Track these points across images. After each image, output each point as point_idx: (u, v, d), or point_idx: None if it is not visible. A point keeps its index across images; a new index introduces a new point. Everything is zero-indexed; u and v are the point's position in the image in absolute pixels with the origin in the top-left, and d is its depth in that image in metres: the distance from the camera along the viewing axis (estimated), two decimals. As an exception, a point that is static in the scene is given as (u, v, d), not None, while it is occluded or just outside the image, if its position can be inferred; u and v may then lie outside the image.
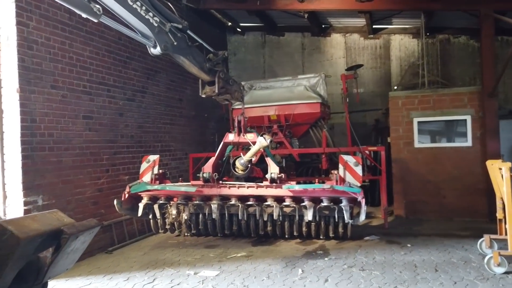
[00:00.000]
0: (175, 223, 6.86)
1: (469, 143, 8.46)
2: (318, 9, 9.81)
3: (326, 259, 5.91)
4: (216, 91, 5.80)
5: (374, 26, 11.41)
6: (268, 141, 6.12)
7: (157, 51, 4.84)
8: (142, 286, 5.03)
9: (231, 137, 6.94)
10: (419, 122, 8.79)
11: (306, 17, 10.48)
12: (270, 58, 12.77)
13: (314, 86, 9.22)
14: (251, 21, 12.12)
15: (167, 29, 4.82)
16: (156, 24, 4.68)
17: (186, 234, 7.27)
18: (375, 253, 6.14)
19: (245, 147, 7.51)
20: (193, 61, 5.36)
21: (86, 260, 6.15)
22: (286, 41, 12.67)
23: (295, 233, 6.53)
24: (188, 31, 5.30)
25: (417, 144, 8.82)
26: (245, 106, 9.04)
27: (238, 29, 12.77)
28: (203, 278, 5.23)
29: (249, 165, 6.70)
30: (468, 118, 8.44)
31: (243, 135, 6.80)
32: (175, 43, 4.94)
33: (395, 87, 11.22)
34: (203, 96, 6.07)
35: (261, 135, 6.20)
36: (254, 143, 6.55)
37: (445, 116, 8.64)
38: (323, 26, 12.07)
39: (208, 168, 6.74)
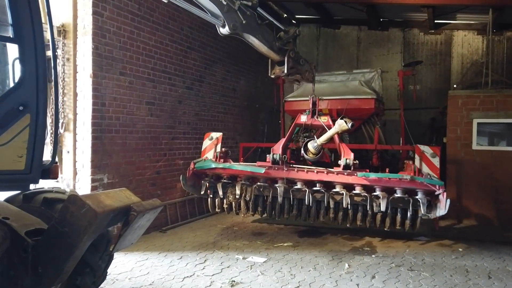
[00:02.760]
0: (233, 203, 6.57)
1: (533, 148, 8.01)
2: (379, 2, 9.59)
3: (373, 256, 5.92)
4: (285, 71, 5.54)
5: (436, 21, 10.96)
6: (349, 125, 5.54)
7: (225, 30, 4.66)
8: (194, 266, 5.33)
9: (303, 118, 6.68)
10: (478, 123, 8.42)
11: (365, 10, 10.28)
12: (324, 51, 12.67)
13: (369, 82, 9.07)
14: (307, 13, 12.06)
15: (236, 7, 4.60)
16: (225, 2, 4.48)
17: (244, 214, 6.77)
18: (424, 254, 6.06)
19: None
20: (263, 40, 5.09)
21: (143, 237, 6.50)
22: (342, 34, 12.50)
23: (358, 223, 6.13)
24: (258, 9, 5.07)
25: (475, 146, 8.47)
26: (297, 99, 9.18)
27: (293, 21, 12.77)
28: (251, 263, 5.45)
29: (322, 149, 6.39)
30: (534, 121, 7.98)
31: (317, 117, 6.51)
32: (243, 22, 4.71)
33: (455, 86, 10.77)
34: (272, 76, 5.84)
35: (341, 118, 5.65)
36: (328, 126, 6.29)
37: (509, 119, 8.21)
38: (381, 19, 11.77)
39: (277, 149, 6.46)
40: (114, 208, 3.35)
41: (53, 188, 3.93)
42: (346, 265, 5.48)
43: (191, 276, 4.96)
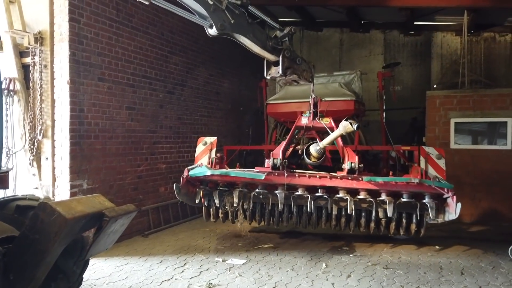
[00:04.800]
0: (229, 212, 6.32)
1: (508, 146, 8.19)
2: (358, 5, 9.74)
3: (351, 255, 6.02)
4: (280, 71, 5.19)
5: (415, 23, 11.16)
6: (355, 126, 5.21)
7: (213, 31, 4.43)
8: (174, 269, 5.38)
9: (304, 120, 6.38)
10: (456, 123, 8.61)
11: (345, 12, 10.43)
12: (308, 53, 12.80)
13: (349, 83, 9.20)
14: (289, 16, 12.18)
15: (223, 6, 4.39)
16: (211, 2, 4.28)
17: (241, 223, 6.56)
18: (401, 252, 6.18)
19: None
20: (254, 39, 4.82)
21: (125, 242, 6.60)
22: (324, 37, 12.66)
23: (361, 229, 6.03)
24: (250, 7, 4.84)
25: (453, 145, 8.65)
26: (279, 101, 9.27)
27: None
28: (230, 266, 5.52)
29: (324, 153, 6.09)
30: (509, 120, 8.16)
31: (318, 119, 6.19)
32: (232, 21, 4.48)
33: (435, 86, 10.96)
34: (268, 77, 5.48)
35: (346, 119, 5.31)
36: (331, 128, 6.05)
37: (485, 118, 8.40)
38: (362, 22, 11.94)
39: (277, 153, 6.09)
40: (86, 214, 3.40)
41: (26, 195, 3.96)
42: (324, 264, 5.58)
43: (169, 279, 5.01)
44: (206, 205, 6.38)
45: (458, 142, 8.66)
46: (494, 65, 10.80)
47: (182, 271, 5.30)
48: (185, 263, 5.63)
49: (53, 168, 5.89)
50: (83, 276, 4.05)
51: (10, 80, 6.04)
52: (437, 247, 6.47)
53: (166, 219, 7.89)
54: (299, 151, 7.12)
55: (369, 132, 10.92)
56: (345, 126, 5.29)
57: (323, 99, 6.73)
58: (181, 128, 8.46)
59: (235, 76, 10.69)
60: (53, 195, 5.84)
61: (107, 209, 3.65)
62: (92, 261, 5.50)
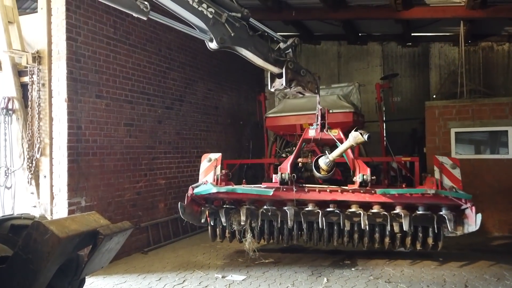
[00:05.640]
0: (236, 231, 6.09)
1: (510, 155, 8.14)
2: (353, 18, 9.82)
3: (353, 269, 5.93)
4: (284, 84, 5.06)
5: (412, 34, 11.22)
6: (366, 136, 4.88)
7: (214, 44, 4.36)
8: (173, 287, 5.31)
9: (311, 133, 6.17)
10: (456, 133, 8.58)
11: (341, 25, 10.51)
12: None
13: (347, 95, 9.23)
14: (287, 30, 12.28)
15: (223, 19, 4.34)
16: (210, 16, 4.23)
17: (249, 243, 6.09)
18: (404, 265, 6.09)
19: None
20: (256, 52, 4.73)
21: (123, 259, 6.53)
22: (322, 50, 12.74)
23: (376, 245, 5.81)
24: (251, 19, 4.75)
25: (454, 155, 8.57)
26: (278, 115, 9.30)
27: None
28: (230, 282, 5.44)
29: (334, 166, 5.84)
30: (510, 129, 8.13)
31: (327, 131, 5.99)
32: (232, 34, 4.42)
33: (434, 96, 10.97)
34: (272, 90, 5.38)
35: (356, 130, 5.02)
36: (340, 140, 5.86)
37: (485, 127, 8.37)
38: (359, 34, 12.02)
39: (285, 168, 5.85)
40: (80, 232, 3.38)
41: (22, 214, 3.94)
42: (325, 279, 5.49)
43: (167, 297, 4.94)
44: (212, 224, 6.14)
45: (459, 152, 8.62)
46: (493, 75, 10.81)
47: (181, 289, 5.23)
48: (184, 280, 5.55)
49: (51, 186, 5.88)
50: (79, 295, 3.99)
51: (9, 99, 6.09)
52: (440, 259, 6.37)
53: (166, 235, 7.82)
54: (299, 164, 7.08)
55: (369, 144, 10.89)
56: (355, 137, 4.98)
57: (331, 111, 6.53)
58: (180, 143, 8.46)
59: (234, 90, 10.74)
60: (51, 213, 5.81)
61: (102, 227, 3.63)
62: (90, 280, 5.45)
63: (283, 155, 9.31)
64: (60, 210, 5.77)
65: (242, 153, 10.82)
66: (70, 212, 5.74)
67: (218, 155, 6.46)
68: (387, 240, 5.73)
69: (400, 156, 8.72)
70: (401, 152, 9.64)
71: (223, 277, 5.66)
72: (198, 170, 8.85)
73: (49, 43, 5.94)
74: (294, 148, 9.24)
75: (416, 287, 5.17)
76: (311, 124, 8.48)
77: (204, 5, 4.17)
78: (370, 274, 5.69)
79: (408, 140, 11.27)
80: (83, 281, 3.98)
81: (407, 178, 8.93)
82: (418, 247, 5.73)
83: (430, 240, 5.66)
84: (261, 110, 10.46)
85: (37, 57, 5.95)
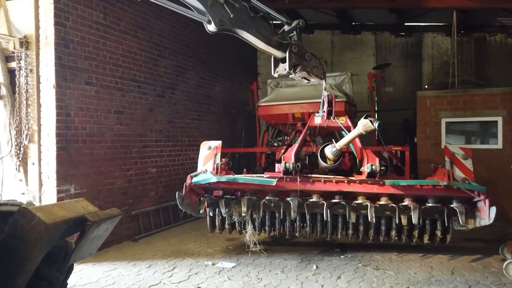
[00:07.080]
0: (236, 222, 5.86)
1: (499, 145, 8.22)
2: (347, 7, 9.76)
3: (342, 256, 5.99)
4: (287, 68, 4.76)
5: (406, 24, 11.19)
6: (376, 124, 4.62)
7: (212, 27, 4.13)
8: (162, 274, 5.32)
9: (317, 120, 5.96)
10: (447, 123, 8.62)
11: (335, 15, 10.45)
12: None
13: (340, 85, 9.21)
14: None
15: (222, 0, 4.10)
16: None
17: (250, 235, 5.91)
18: (392, 253, 6.15)
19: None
20: (258, 35, 4.44)
21: (114, 247, 6.53)
22: (316, 39, 12.66)
23: (380, 239, 5.64)
24: (252, 0, 4.39)
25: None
26: (270, 103, 9.26)
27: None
28: (219, 269, 5.47)
29: (341, 155, 5.65)
30: (500, 119, 8.19)
31: (333, 118, 5.78)
32: (231, 16, 4.15)
33: (426, 86, 10.98)
34: (276, 75, 5.08)
35: (365, 117, 4.71)
36: (347, 127, 5.67)
37: (475, 117, 8.42)
38: (353, 24, 11.96)
39: (289, 157, 5.65)
40: (67, 219, 3.35)
41: (8, 200, 3.90)
42: (314, 266, 5.54)
43: (157, 284, 4.96)
44: (211, 215, 5.97)
45: (450, 142, 8.67)
46: (485, 65, 10.84)
47: (171, 276, 5.24)
48: (174, 267, 5.57)
49: (40, 173, 5.83)
50: (68, 282, 3.98)
51: (-4, 85, 5.99)
52: (429, 247, 6.43)
53: (157, 223, 7.82)
54: (303, 153, 7.00)
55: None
56: (365, 124, 4.66)
57: (332, 97, 6.23)
58: (172, 131, 8.41)
59: (226, 79, 10.67)
60: (40, 201, 5.77)
61: (90, 213, 3.60)
62: (79, 267, 5.45)
63: (275, 144, 9.32)
64: (49, 198, 5.73)
65: (235, 143, 10.80)
66: (59, 199, 5.70)
67: (218, 143, 6.25)
68: (393, 233, 5.57)
69: (391, 146, 8.75)
70: (393, 142, 9.67)
71: (213, 264, 5.68)
72: (190, 159, 8.96)
73: (37, 28, 5.84)
74: (286, 137, 9.27)
75: (404, 274, 5.23)
76: (306, 114, 8.43)
77: None
78: (359, 261, 5.75)
79: (401, 130, 11.31)
80: (71, 268, 3.96)
81: (398, 167, 8.98)
82: (426, 240, 5.60)
83: (438, 233, 5.52)
84: (254, 99, 10.41)
85: (24, 42, 5.85)
